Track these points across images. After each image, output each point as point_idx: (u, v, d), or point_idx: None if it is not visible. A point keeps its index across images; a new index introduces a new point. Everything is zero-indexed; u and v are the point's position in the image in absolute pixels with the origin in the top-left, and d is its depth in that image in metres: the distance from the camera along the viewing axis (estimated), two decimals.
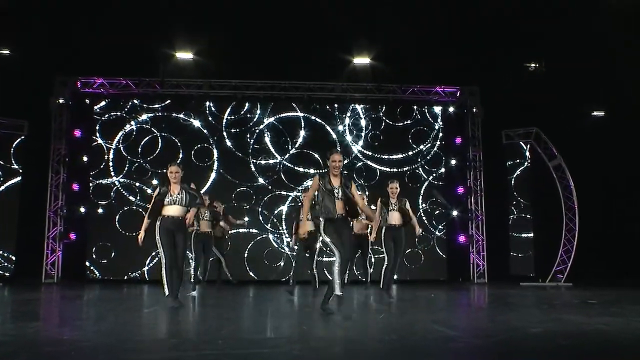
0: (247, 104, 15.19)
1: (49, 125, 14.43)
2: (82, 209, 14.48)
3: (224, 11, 13.13)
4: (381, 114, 15.46)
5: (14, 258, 14.02)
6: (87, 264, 14.33)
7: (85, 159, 14.69)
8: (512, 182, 15.51)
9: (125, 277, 14.21)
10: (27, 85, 13.70)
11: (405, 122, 15.46)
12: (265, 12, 13.20)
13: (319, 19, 13.09)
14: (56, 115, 14.44)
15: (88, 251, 14.35)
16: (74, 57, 13.84)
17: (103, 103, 14.96)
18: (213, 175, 14.84)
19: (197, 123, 15.03)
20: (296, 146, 15.10)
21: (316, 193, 6.35)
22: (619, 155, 14.29)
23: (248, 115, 15.18)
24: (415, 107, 15.57)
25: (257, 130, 15.11)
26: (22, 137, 14.18)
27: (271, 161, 15.04)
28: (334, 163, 6.27)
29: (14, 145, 14.23)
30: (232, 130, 15.06)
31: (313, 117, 15.28)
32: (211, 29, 13.20)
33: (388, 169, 15.21)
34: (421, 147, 15.41)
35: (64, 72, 14.36)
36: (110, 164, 14.75)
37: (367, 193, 11.81)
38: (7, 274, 13.76)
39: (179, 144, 14.82)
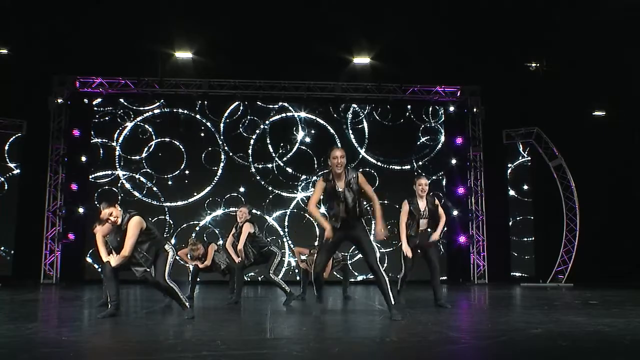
0: (246, 104, 15.18)
1: (47, 125, 14.42)
2: (81, 209, 14.43)
3: (224, 11, 13.11)
4: (381, 114, 15.43)
5: (12, 258, 13.98)
6: (90, 260, 14.28)
7: (83, 158, 14.67)
8: (513, 182, 15.49)
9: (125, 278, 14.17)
10: (26, 85, 13.69)
11: (405, 122, 15.44)
12: (266, 12, 13.18)
13: (319, 18, 13.08)
14: (55, 115, 14.43)
15: (87, 251, 14.32)
16: (73, 56, 13.83)
17: (102, 103, 14.95)
18: (216, 177, 14.80)
19: (198, 123, 15.02)
20: (296, 147, 15.07)
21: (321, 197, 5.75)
22: (620, 155, 14.26)
23: (247, 115, 15.16)
24: (415, 107, 15.54)
25: (257, 131, 15.08)
26: (17, 136, 14.16)
27: (270, 165, 15.00)
28: (334, 160, 5.58)
29: (8, 143, 14.22)
30: (232, 132, 15.04)
31: (313, 117, 15.27)
32: (211, 28, 13.18)
33: (388, 167, 15.20)
34: (421, 147, 15.38)
35: (63, 71, 14.36)
36: (117, 161, 14.72)
37: None
38: (5, 274, 13.73)
39: (180, 146, 14.81)
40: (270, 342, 4.37)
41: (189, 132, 14.93)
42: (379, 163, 15.22)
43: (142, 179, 14.69)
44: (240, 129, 15.09)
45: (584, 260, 13.82)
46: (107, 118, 14.95)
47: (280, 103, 15.28)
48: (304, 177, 14.97)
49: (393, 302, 5.67)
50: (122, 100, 15.02)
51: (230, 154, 14.96)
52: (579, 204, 14.00)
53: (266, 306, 7.67)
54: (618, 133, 14.12)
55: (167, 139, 14.86)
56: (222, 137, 15.00)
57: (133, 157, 14.75)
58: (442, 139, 15.56)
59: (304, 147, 15.09)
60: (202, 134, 15.00)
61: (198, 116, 15.10)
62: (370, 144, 15.29)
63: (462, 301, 9.05)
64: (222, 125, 15.06)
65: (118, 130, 14.88)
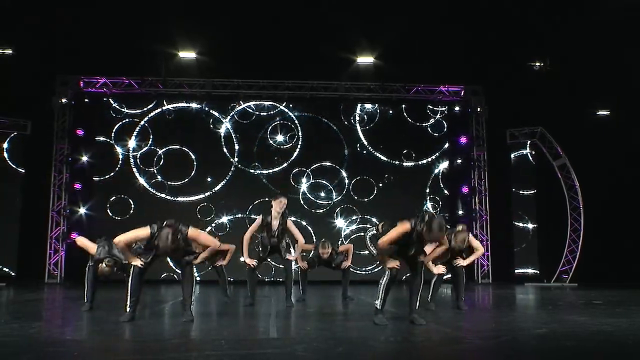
0: (249, 104, 15.17)
1: (52, 125, 14.46)
2: (83, 210, 14.41)
3: (227, 11, 13.12)
4: (385, 113, 15.41)
5: (16, 258, 13.99)
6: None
7: (84, 158, 14.63)
8: (517, 181, 15.41)
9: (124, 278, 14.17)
10: (31, 85, 13.71)
11: (409, 122, 15.41)
12: (269, 11, 13.18)
13: (324, 18, 13.06)
14: (59, 115, 14.47)
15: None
16: (77, 57, 13.84)
17: (106, 103, 14.95)
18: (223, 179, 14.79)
19: (203, 124, 15.02)
20: (299, 147, 15.03)
21: None
22: (624, 154, 14.22)
23: (251, 115, 15.15)
24: (418, 106, 15.51)
25: (261, 130, 15.06)
26: (14, 135, 14.16)
27: (277, 168, 14.93)
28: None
29: (6, 141, 14.19)
30: (236, 134, 15.03)
31: (317, 117, 15.23)
32: (214, 28, 13.19)
33: (392, 164, 15.19)
34: (425, 146, 15.34)
35: (67, 71, 14.39)
36: (119, 161, 14.72)
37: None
38: (10, 274, 13.76)
39: (184, 148, 14.81)
40: (273, 342, 4.37)
41: (192, 134, 14.92)
42: (383, 157, 15.16)
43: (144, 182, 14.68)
44: (244, 129, 15.05)
45: (588, 260, 13.78)
46: (109, 117, 14.92)
47: (285, 103, 15.24)
48: (306, 175, 14.94)
49: None
50: (125, 100, 15.00)
51: (235, 159, 14.89)
52: (583, 203, 13.96)
53: (269, 306, 7.68)
54: (622, 132, 14.08)
55: (169, 140, 14.83)
56: (222, 140, 14.95)
57: (134, 155, 14.75)
58: (446, 138, 15.52)
59: (307, 147, 15.03)
60: (206, 136, 14.96)
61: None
62: (375, 142, 15.23)
63: (466, 301, 9.04)
64: (224, 126, 15.02)
65: (121, 130, 14.84)
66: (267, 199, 14.23)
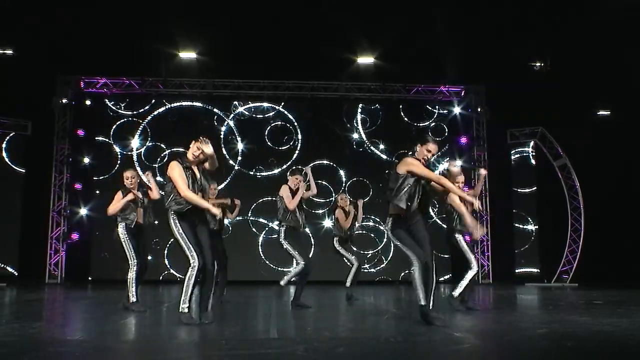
0: (250, 105, 15.16)
1: (52, 126, 14.48)
2: (84, 210, 14.40)
3: (227, 11, 13.12)
4: (385, 114, 15.40)
5: (17, 258, 14.00)
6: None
7: (85, 158, 14.64)
8: (517, 181, 15.41)
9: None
10: (31, 85, 13.72)
11: (409, 122, 15.40)
12: (269, 11, 13.18)
13: (324, 19, 13.06)
14: (59, 115, 14.48)
15: (92, 251, 14.32)
16: (77, 56, 13.86)
17: (105, 103, 14.95)
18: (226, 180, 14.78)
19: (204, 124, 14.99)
20: (299, 147, 15.02)
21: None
22: (624, 154, 14.22)
23: (251, 116, 15.14)
24: (419, 106, 15.51)
25: (262, 131, 15.05)
26: (11, 135, 14.15)
27: (278, 169, 14.90)
28: (429, 153, 5.45)
29: (5, 141, 14.16)
30: (237, 134, 15.02)
31: (317, 117, 15.22)
32: (214, 28, 13.20)
33: (392, 163, 15.19)
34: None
35: (68, 72, 14.41)
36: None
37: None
38: (12, 274, 13.76)
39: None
40: (274, 342, 4.38)
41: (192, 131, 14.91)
42: (383, 156, 15.16)
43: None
44: (245, 129, 15.05)
45: (589, 260, 13.79)
46: (109, 117, 14.91)
47: (284, 103, 15.22)
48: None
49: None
50: (125, 100, 15.00)
51: (236, 160, 14.87)
52: (584, 203, 13.96)
53: (270, 306, 7.68)
54: (622, 132, 14.08)
55: (170, 141, 14.81)
56: (222, 141, 14.93)
57: (137, 154, 14.76)
58: (446, 139, 15.51)
59: (308, 148, 15.01)
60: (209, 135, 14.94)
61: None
62: (375, 143, 15.22)
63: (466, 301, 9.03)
64: (224, 127, 15.01)
65: (122, 130, 14.84)
66: (268, 199, 14.32)
